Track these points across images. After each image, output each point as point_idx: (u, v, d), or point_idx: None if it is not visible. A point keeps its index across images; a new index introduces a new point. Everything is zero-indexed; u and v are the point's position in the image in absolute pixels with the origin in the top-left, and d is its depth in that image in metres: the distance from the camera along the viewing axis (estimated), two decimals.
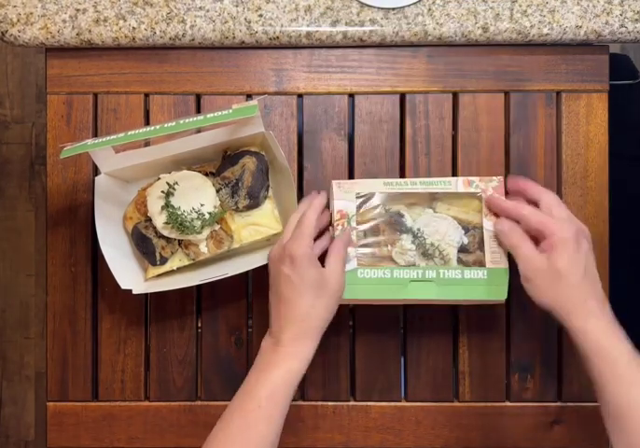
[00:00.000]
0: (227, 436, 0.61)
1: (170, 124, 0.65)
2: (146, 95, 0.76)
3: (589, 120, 0.76)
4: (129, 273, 0.72)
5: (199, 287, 0.76)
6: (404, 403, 0.77)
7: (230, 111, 0.65)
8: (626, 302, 0.90)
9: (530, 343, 0.76)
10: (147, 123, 0.77)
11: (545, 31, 0.73)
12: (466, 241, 0.70)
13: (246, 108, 0.65)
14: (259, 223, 0.72)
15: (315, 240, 0.66)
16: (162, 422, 0.77)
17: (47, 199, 0.76)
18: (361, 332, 0.76)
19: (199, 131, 0.70)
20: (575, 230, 0.63)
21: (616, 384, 0.59)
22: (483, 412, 0.76)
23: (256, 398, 0.61)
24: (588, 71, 0.76)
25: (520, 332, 0.76)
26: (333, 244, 0.66)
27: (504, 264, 0.68)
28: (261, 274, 0.76)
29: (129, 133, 0.65)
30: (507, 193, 0.70)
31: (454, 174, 0.76)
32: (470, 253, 0.70)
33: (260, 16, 0.73)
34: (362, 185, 0.70)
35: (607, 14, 0.73)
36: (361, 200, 0.69)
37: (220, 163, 0.72)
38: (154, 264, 0.72)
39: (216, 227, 0.72)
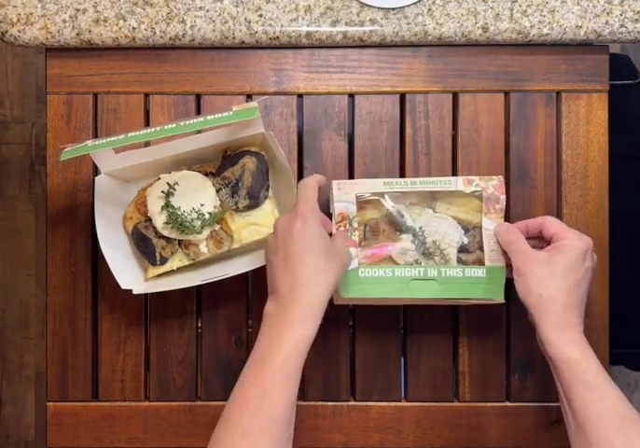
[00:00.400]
0: (244, 405, 0.58)
1: (170, 126, 0.65)
2: (146, 95, 0.76)
3: (589, 120, 0.76)
4: (129, 273, 0.72)
5: (199, 287, 0.76)
6: (404, 403, 0.77)
7: (230, 113, 0.65)
8: (626, 302, 0.90)
9: (530, 343, 0.76)
10: (147, 123, 0.77)
11: (545, 31, 0.73)
12: (465, 241, 0.70)
13: (246, 110, 0.65)
14: (259, 223, 0.72)
15: None
16: (162, 422, 0.77)
17: (47, 199, 0.76)
18: (361, 332, 0.76)
19: (199, 131, 0.70)
20: (587, 244, 0.64)
21: (585, 393, 0.59)
22: (483, 412, 0.76)
23: (270, 366, 0.58)
24: (588, 71, 0.76)
25: (520, 332, 0.76)
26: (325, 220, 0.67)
27: (502, 263, 0.68)
28: (261, 274, 0.76)
29: (129, 134, 0.65)
30: (507, 192, 0.70)
31: (454, 173, 0.76)
32: (470, 253, 0.70)
33: (260, 16, 0.73)
34: (362, 185, 0.70)
35: (607, 14, 0.73)
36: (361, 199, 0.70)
37: (220, 163, 0.72)
38: (154, 264, 0.72)
39: (216, 227, 0.72)
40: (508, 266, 0.68)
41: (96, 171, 0.75)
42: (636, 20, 0.73)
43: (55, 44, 0.74)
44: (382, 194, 0.70)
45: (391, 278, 0.68)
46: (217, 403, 0.76)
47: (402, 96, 0.76)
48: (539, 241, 0.69)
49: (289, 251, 0.60)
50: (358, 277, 0.68)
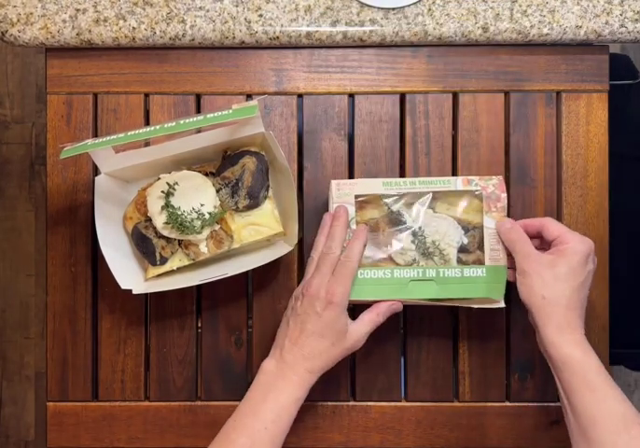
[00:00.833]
0: None
1: (170, 124, 0.65)
2: (146, 95, 0.76)
3: (589, 120, 0.76)
4: (129, 274, 0.72)
5: (199, 286, 0.76)
6: (404, 403, 0.77)
7: (230, 111, 0.65)
8: (626, 302, 0.90)
9: (530, 343, 0.76)
10: (147, 123, 0.77)
11: (545, 31, 0.73)
12: (465, 241, 0.70)
13: (246, 108, 0.65)
14: (259, 223, 0.72)
15: None
16: (162, 422, 0.77)
17: (47, 199, 0.76)
18: None
19: (199, 131, 0.70)
20: (589, 247, 0.64)
21: (587, 394, 0.60)
22: (483, 412, 0.76)
23: (262, 419, 0.63)
24: (588, 71, 0.76)
25: (520, 332, 0.76)
26: (378, 305, 0.68)
27: (503, 262, 0.68)
28: (261, 274, 0.76)
29: (129, 133, 0.65)
30: (507, 192, 0.70)
31: (454, 173, 0.76)
32: (470, 253, 0.70)
33: (260, 16, 0.73)
34: (361, 185, 0.70)
35: (607, 14, 0.73)
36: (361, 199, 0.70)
37: (220, 163, 0.72)
38: (154, 264, 0.72)
39: (216, 227, 0.72)
40: (510, 268, 0.68)
41: (96, 171, 0.75)
42: (636, 20, 0.73)
43: (55, 44, 0.74)
44: (381, 194, 0.70)
45: (390, 279, 0.68)
46: (217, 403, 0.77)
47: (402, 96, 0.76)
48: (538, 241, 0.69)
49: (305, 324, 0.65)
50: (357, 279, 0.68)
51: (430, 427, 0.77)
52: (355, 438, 0.77)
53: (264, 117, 0.75)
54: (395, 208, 0.70)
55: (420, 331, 0.76)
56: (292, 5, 0.73)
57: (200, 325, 0.77)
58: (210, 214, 0.70)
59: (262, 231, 0.72)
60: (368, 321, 0.67)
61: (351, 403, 0.77)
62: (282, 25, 0.73)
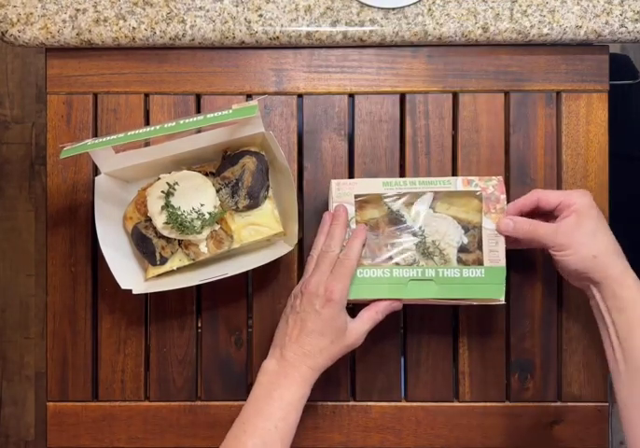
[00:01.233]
0: None
1: (170, 124, 0.65)
2: (146, 95, 0.76)
3: (589, 120, 0.76)
4: (129, 274, 0.72)
5: (199, 286, 0.76)
6: (404, 403, 0.77)
7: (230, 111, 0.65)
8: None
9: (530, 343, 0.76)
10: (147, 123, 0.77)
11: (545, 31, 0.73)
12: (465, 241, 0.70)
13: (246, 108, 0.65)
14: (259, 223, 0.72)
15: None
16: (162, 422, 0.77)
17: (47, 199, 0.76)
18: None
19: (199, 131, 0.70)
20: (590, 195, 0.67)
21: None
22: (483, 412, 0.76)
23: (271, 419, 0.63)
24: (588, 71, 0.76)
25: (520, 332, 0.76)
26: (377, 303, 0.68)
27: (502, 263, 0.68)
28: (261, 274, 0.76)
29: (129, 133, 0.65)
30: (507, 192, 0.70)
31: (454, 173, 0.76)
32: (470, 253, 0.70)
33: (260, 16, 0.73)
34: (361, 185, 0.70)
35: (607, 14, 0.73)
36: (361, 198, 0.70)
37: (220, 163, 0.72)
38: (154, 264, 0.72)
39: (216, 227, 0.72)
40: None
41: (96, 171, 0.75)
42: (636, 20, 0.73)
43: (55, 44, 0.74)
44: (381, 194, 0.70)
45: (389, 279, 0.68)
46: (217, 403, 0.77)
47: (402, 96, 0.76)
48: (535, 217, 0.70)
49: (305, 322, 0.65)
50: (357, 278, 0.68)
51: (430, 427, 0.77)
52: (355, 438, 0.77)
53: (264, 117, 0.75)
54: (395, 208, 0.70)
55: (420, 331, 0.76)
56: (292, 5, 0.73)
57: (200, 325, 0.77)
58: (210, 214, 0.70)
59: (262, 230, 0.72)
60: (367, 319, 0.67)
61: (351, 403, 0.77)
62: (282, 25, 0.73)
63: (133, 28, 0.73)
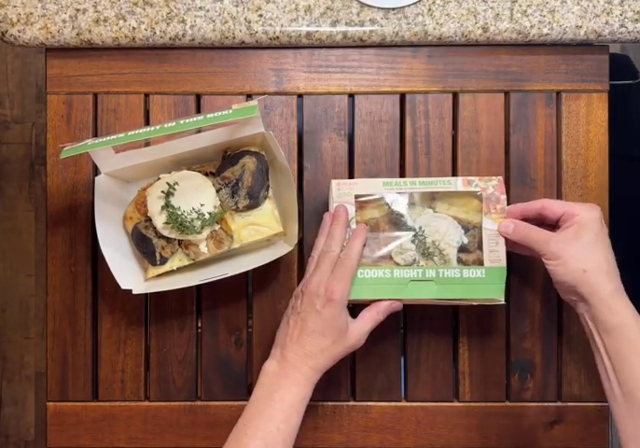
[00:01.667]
0: None
1: (170, 124, 0.65)
2: (146, 95, 0.76)
3: (589, 120, 0.76)
4: (129, 274, 0.72)
5: (199, 286, 0.76)
6: (404, 403, 0.77)
7: (230, 111, 0.65)
8: None
9: (530, 343, 0.76)
10: (147, 123, 0.77)
11: (545, 31, 0.73)
12: (466, 241, 0.70)
13: (246, 108, 0.65)
14: (259, 223, 0.72)
15: None
16: (162, 422, 0.77)
17: (47, 199, 0.76)
18: None
19: (199, 131, 0.70)
20: (598, 211, 0.65)
21: (636, 360, 0.60)
22: (483, 412, 0.76)
23: (272, 420, 0.63)
24: (588, 71, 0.76)
25: (520, 332, 0.76)
26: (377, 303, 0.68)
27: (502, 263, 0.68)
28: (261, 274, 0.76)
29: (129, 133, 0.65)
30: (507, 192, 0.70)
31: (454, 173, 0.76)
32: (470, 253, 0.70)
33: (260, 16, 0.73)
34: (361, 185, 0.70)
35: (607, 14, 0.73)
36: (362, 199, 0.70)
37: (220, 163, 0.72)
38: (154, 264, 0.72)
39: (216, 227, 0.72)
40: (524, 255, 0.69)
41: (96, 171, 0.75)
42: (636, 20, 0.73)
43: (55, 44, 0.74)
44: (381, 195, 0.70)
45: (390, 279, 0.68)
46: (217, 403, 0.77)
47: (402, 96, 0.76)
48: (537, 224, 0.69)
49: (305, 322, 0.65)
50: (357, 278, 0.68)
51: (430, 427, 0.77)
52: (355, 438, 0.77)
53: (264, 117, 0.75)
54: (395, 208, 0.70)
55: (420, 331, 0.76)
56: (292, 5, 0.73)
57: (200, 325, 0.77)
58: (210, 214, 0.70)
59: (262, 230, 0.72)
60: (368, 319, 0.67)
61: (351, 403, 0.77)
62: (282, 25, 0.73)
63: (133, 28, 0.73)
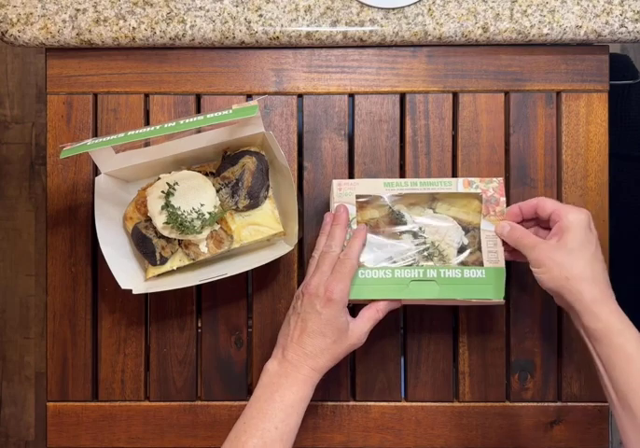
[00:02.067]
0: None
1: (170, 124, 0.65)
2: (146, 95, 0.76)
3: (589, 120, 0.76)
4: (129, 273, 0.72)
5: (199, 286, 0.76)
6: (404, 403, 0.77)
7: (230, 111, 0.65)
8: (626, 302, 0.90)
9: (530, 344, 0.76)
10: (148, 123, 0.77)
11: (545, 31, 0.73)
12: (466, 241, 0.70)
13: (246, 109, 0.65)
14: (259, 223, 0.72)
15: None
16: (162, 422, 0.77)
17: (47, 199, 0.76)
18: None
19: (199, 131, 0.70)
20: (587, 215, 0.65)
21: (627, 365, 0.60)
22: (483, 412, 0.76)
23: (271, 419, 0.63)
24: (588, 71, 0.76)
25: (520, 332, 0.76)
26: (376, 303, 0.68)
27: (501, 264, 0.68)
28: (261, 274, 0.76)
29: (129, 133, 0.65)
30: (507, 192, 0.70)
31: (454, 173, 0.76)
32: (471, 253, 0.70)
33: (260, 16, 0.73)
34: (362, 185, 0.70)
35: (607, 14, 0.73)
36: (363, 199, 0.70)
37: (220, 163, 0.72)
38: (154, 264, 0.72)
39: (216, 227, 0.72)
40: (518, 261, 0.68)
41: (96, 171, 0.75)
42: (636, 20, 0.73)
43: (55, 44, 0.74)
44: (382, 196, 0.70)
45: (391, 279, 0.68)
46: (217, 403, 0.77)
47: (402, 96, 0.76)
48: (536, 223, 0.69)
49: (306, 323, 0.65)
50: (358, 279, 0.68)
51: (430, 427, 0.77)
52: (355, 438, 0.77)
53: (264, 117, 0.75)
54: (395, 208, 0.70)
55: (420, 331, 0.76)
56: (292, 5, 0.73)
57: (200, 325, 0.77)
58: (210, 214, 0.70)
59: (262, 230, 0.72)
60: (368, 318, 0.67)
61: (351, 403, 0.77)
62: (282, 25, 0.73)
63: (133, 28, 0.73)
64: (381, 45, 0.75)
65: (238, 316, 0.77)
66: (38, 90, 1.61)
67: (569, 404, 0.76)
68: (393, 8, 0.73)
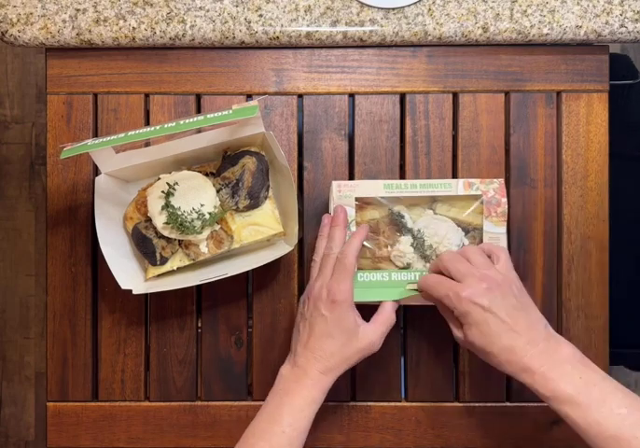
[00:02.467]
0: None
1: (170, 124, 0.65)
2: (146, 95, 0.76)
3: (589, 120, 0.76)
4: (129, 273, 0.72)
5: (199, 286, 0.76)
6: (404, 403, 0.77)
7: (231, 111, 0.65)
8: (626, 302, 0.90)
9: None
10: (148, 123, 0.77)
11: (545, 31, 0.73)
12: (466, 242, 0.70)
13: (247, 109, 0.65)
14: (260, 223, 0.72)
15: None
16: (162, 422, 0.77)
17: (47, 199, 0.76)
18: None
19: (199, 131, 0.70)
20: (475, 290, 0.61)
21: (579, 412, 0.58)
22: (483, 412, 0.76)
23: (280, 423, 0.63)
24: (588, 71, 0.76)
25: None
26: (384, 305, 0.68)
27: None
28: (261, 274, 0.76)
29: (129, 133, 0.65)
30: (507, 192, 0.70)
31: (454, 173, 0.76)
32: None
33: (260, 16, 0.73)
34: (362, 187, 0.70)
35: (607, 14, 0.73)
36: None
37: (220, 163, 0.72)
38: (154, 264, 0.72)
39: (217, 227, 0.72)
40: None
41: (96, 171, 0.75)
42: (636, 20, 0.73)
43: (55, 44, 0.74)
44: (382, 197, 0.70)
45: (388, 282, 0.68)
46: (217, 403, 0.77)
47: (402, 96, 0.76)
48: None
49: (312, 326, 0.65)
50: (357, 282, 0.68)
51: (430, 427, 0.77)
52: (355, 438, 0.77)
53: (264, 117, 0.75)
54: (395, 209, 0.70)
55: (420, 331, 0.76)
56: (292, 5, 0.73)
57: (200, 325, 0.77)
58: (210, 214, 0.70)
59: (262, 231, 0.72)
60: (380, 322, 0.67)
61: (351, 403, 0.77)
62: (282, 25, 0.73)
63: (133, 28, 0.73)
64: (381, 45, 0.75)
65: (238, 316, 0.77)
66: (38, 90, 1.61)
67: None
68: (393, 8, 0.73)
